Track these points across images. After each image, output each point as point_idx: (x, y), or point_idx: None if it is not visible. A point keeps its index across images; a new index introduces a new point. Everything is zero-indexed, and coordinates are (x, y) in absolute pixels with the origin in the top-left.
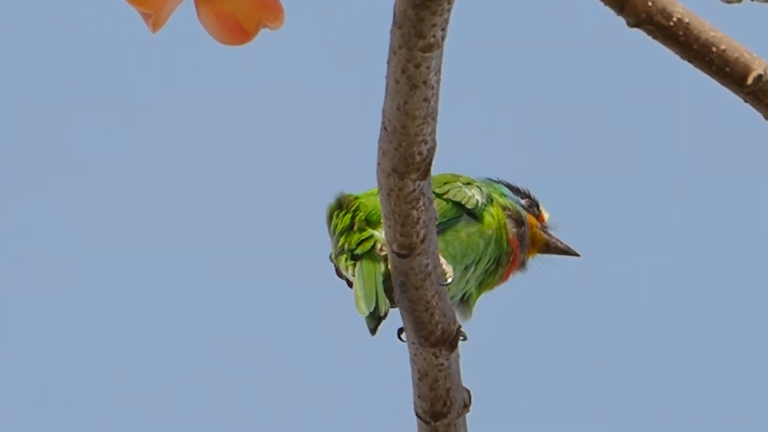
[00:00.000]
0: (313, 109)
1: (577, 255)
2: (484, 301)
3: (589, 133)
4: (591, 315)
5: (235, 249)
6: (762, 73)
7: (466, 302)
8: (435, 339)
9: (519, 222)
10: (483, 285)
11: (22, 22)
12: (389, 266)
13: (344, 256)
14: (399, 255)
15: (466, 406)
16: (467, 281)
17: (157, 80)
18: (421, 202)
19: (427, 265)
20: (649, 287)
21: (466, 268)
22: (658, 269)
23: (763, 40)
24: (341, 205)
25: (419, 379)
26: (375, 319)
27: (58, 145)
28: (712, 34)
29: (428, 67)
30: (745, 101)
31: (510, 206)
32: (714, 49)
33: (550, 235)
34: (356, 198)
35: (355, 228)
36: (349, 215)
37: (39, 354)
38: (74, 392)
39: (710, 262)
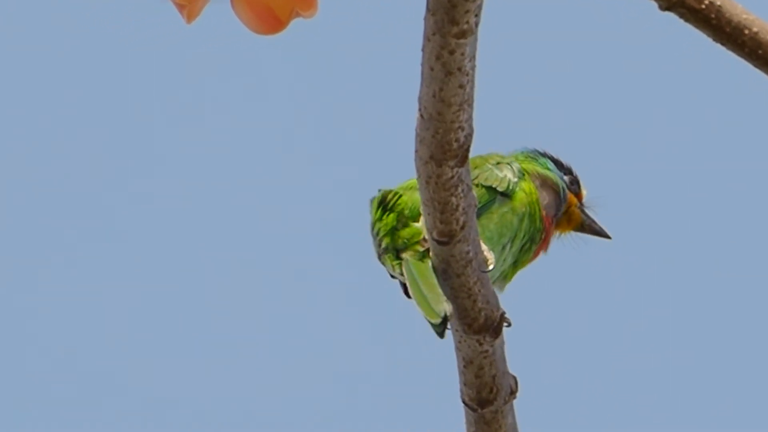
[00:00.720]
0: (348, 98)
1: (608, 237)
2: (526, 286)
3: (623, 116)
4: (631, 298)
5: (284, 241)
6: None
7: (502, 280)
8: (479, 326)
9: (557, 195)
10: (518, 263)
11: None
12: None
13: (389, 255)
14: (439, 242)
15: (512, 392)
16: (504, 260)
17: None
18: (459, 189)
19: (468, 252)
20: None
21: (503, 248)
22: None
23: None
24: (384, 202)
25: (465, 366)
26: (444, 323)
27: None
28: (744, 16)
29: (463, 54)
30: None
31: (552, 178)
32: (746, 32)
33: (586, 215)
34: (396, 193)
35: (399, 225)
36: (393, 215)
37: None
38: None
39: (746, 254)
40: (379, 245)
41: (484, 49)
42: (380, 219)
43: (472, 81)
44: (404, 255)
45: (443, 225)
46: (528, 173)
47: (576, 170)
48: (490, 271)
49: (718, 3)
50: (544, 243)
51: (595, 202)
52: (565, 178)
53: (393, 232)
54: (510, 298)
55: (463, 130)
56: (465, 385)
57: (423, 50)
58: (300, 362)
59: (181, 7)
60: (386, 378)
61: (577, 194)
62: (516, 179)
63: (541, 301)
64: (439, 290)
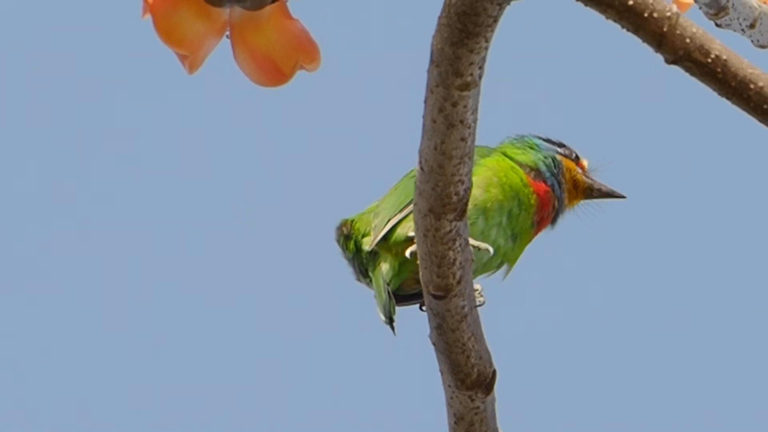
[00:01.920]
0: (352, 151)
1: (622, 197)
2: (517, 340)
3: (627, 172)
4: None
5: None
6: None
7: (504, 262)
8: (471, 382)
9: (549, 171)
10: (517, 236)
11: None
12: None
13: (365, 278)
14: (435, 296)
15: None
16: (488, 235)
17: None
18: (457, 243)
19: (463, 307)
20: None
21: (476, 224)
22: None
23: None
24: (345, 233)
25: (455, 422)
26: (389, 323)
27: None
28: (750, 71)
29: (465, 106)
30: None
31: (528, 161)
32: (752, 86)
33: (592, 180)
34: (352, 221)
35: (359, 249)
36: (352, 242)
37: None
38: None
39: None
40: (354, 271)
41: (487, 103)
42: (346, 249)
43: (474, 134)
44: (369, 271)
45: (440, 279)
46: (510, 158)
47: (570, 144)
48: (492, 256)
49: (724, 57)
50: (541, 209)
51: (600, 167)
52: (559, 149)
53: (358, 256)
54: (500, 348)
55: (462, 183)
56: None
57: (425, 102)
58: (285, 414)
59: (183, 58)
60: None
61: (577, 163)
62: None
63: (531, 357)
64: (385, 297)
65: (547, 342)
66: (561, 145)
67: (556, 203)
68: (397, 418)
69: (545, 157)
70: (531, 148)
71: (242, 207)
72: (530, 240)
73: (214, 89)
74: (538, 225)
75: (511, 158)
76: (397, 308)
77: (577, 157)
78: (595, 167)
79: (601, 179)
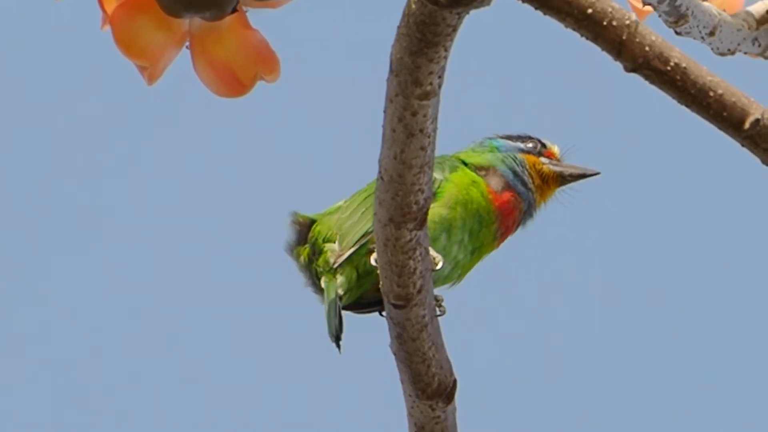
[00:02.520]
0: (310, 161)
1: (597, 173)
2: (476, 349)
3: (587, 186)
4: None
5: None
6: (759, 117)
7: (457, 275)
8: (432, 391)
9: (511, 171)
10: (476, 250)
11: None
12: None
13: (314, 287)
14: (396, 306)
15: None
16: (449, 253)
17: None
18: (417, 252)
19: (423, 316)
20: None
21: (438, 241)
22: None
23: (759, 85)
24: (298, 236)
25: None
26: (336, 342)
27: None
28: (709, 78)
29: (425, 115)
30: (743, 145)
31: (488, 163)
32: (711, 94)
33: (562, 166)
34: (312, 221)
35: (315, 256)
36: (308, 247)
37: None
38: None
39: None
40: (305, 276)
41: (446, 109)
42: (298, 255)
43: (434, 143)
44: (320, 280)
45: (400, 288)
46: (470, 164)
47: (536, 135)
48: (439, 270)
49: (684, 65)
50: (504, 220)
51: (571, 149)
52: (522, 146)
53: (311, 263)
54: (460, 358)
55: (422, 192)
56: None
57: (385, 111)
58: (244, 426)
59: (143, 69)
60: None
61: (543, 153)
62: (443, 176)
63: (488, 364)
64: (332, 315)
65: (507, 351)
66: (525, 138)
67: (524, 206)
68: (357, 428)
69: (506, 158)
70: (491, 151)
71: (199, 212)
72: (491, 251)
73: (172, 99)
74: (503, 236)
75: (472, 164)
76: (359, 315)
77: (543, 146)
78: (566, 150)
79: (574, 161)
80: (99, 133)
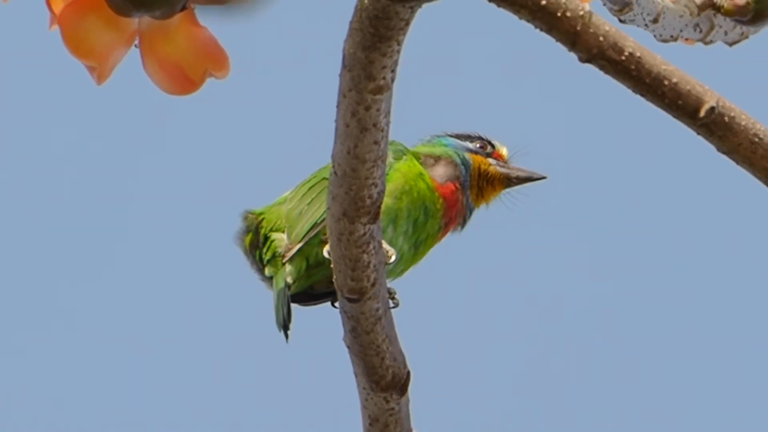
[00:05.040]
0: (262, 158)
1: (543, 177)
2: (431, 338)
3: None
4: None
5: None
6: (714, 105)
7: (401, 266)
8: (386, 383)
9: (454, 165)
10: (420, 242)
11: None
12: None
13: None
14: (350, 300)
15: None
16: (395, 243)
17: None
18: (371, 246)
19: (377, 309)
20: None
21: (385, 233)
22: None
23: (713, 73)
24: (247, 227)
25: (370, 424)
26: (284, 331)
27: None
28: (663, 67)
29: (378, 110)
30: (698, 133)
31: (437, 152)
32: (666, 83)
33: (509, 168)
34: (260, 214)
35: (261, 243)
36: (251, 234)
37: None
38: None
39: None
40: (252, 266)
41: (398, 103)
42: (248, 243)
43: (387, 137)
44: (267, 269)
45: (354, 282)
46: (417, 155)
47: (486, 134)
48: (392, 263)
49: (638, 54)
50: (448, 211)
51: (520, 151)
52: (470, 145)
53: (257, 252)
54: (414, 350)
55: (376, 186)
56: None
57: (338, 107)
58: (198, 417)
59: (91, 69)
60: None
61: (491, 154)
62: (388, 163)
63: (443, 356)
64: (279, 305)
65: (460, 342)
66: (474, 138)
67: (464, 200)
68: (311, 421)
69: (457, 152)
70: (440, 146)
71: (150, 206)
72: (436, 243)
73: (122, 98)
74: (446, 226)
75: (420, 153)
76: (311, 306)
77: (492, 146)
78: (515, 152)
79: (522, 164)
80: (45, 133)
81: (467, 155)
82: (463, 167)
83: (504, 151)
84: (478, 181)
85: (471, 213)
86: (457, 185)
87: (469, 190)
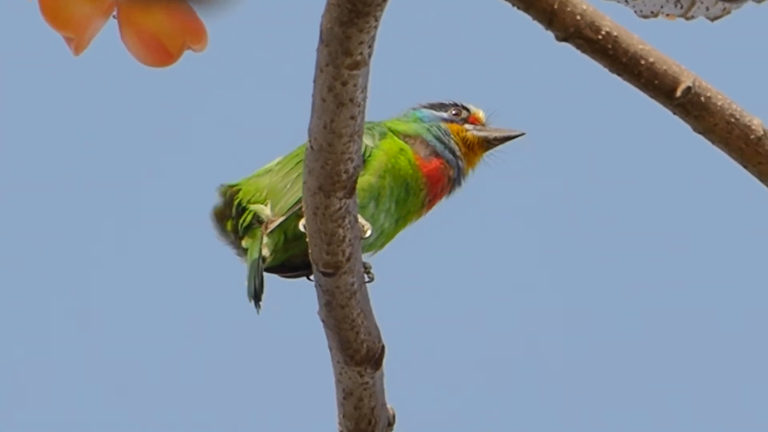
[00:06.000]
0: (239, 129)
1: (522, 134)
2: (405, 312)
3: (523, 155)
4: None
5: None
6: (690, 84)
7: (381, 241)
8: (360, 357)
9: (437, 139)
10: (401, 218)
11: None
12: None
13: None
14: (325, 274)
15: (390, 425)
16: (376, 220)
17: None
18: (347, 221)
19: (352, 284)
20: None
21: (366, 209)
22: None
23: (690, 53)
24: (224, 200)
25: (344, 398)
26: (255, 301)
27: None
28: (640, 47)
29: (355, 85)
30: (674, 113)
31: (414, 132)
32: (643, 62)
33: (486, 130)
34: (236, 186)
35: (235, 213)
36: (225, 206)
37: None
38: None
39: None
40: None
41: (376, 80)
42: (220, 216)
43: (363, 112)
44: (244, 240)
45: (329, 256)
46: (397, 132)
47: (461, 101)
48: (367, 238)
49: (615, 33)
50: (432, 188)
51: (496, 113)
52: (445, 114)
53: (232, 223)
54: (389, 321)
55: (352, 161)
56: (344, 416)
57: (315, 81)
58: (170, 391)
59: (69, 40)
60: (263, 408)
61: (468, 119)
62: (374, 143)
63: (418, 330)
64: (252, 275)
65: (435, 317)
66: (448, 106)
67: (453, 172)
68: (284, 394)
69: (430, 128)
70: (415, 121)
71: (130, 183)
72: (417, 219)
73: (100, 68)
74: (430, 203)
75: (399, 133)
76: (285, 279)
77: (468, 111)
78: (492, 113)
79: (500, 124)
80: (23, 102)
81: (443, 125)
82: (437, 142)
83: (480, 114)
84: (461, 148)
85: (463, 181)
86: (442, 160)
87: (459, 159)
